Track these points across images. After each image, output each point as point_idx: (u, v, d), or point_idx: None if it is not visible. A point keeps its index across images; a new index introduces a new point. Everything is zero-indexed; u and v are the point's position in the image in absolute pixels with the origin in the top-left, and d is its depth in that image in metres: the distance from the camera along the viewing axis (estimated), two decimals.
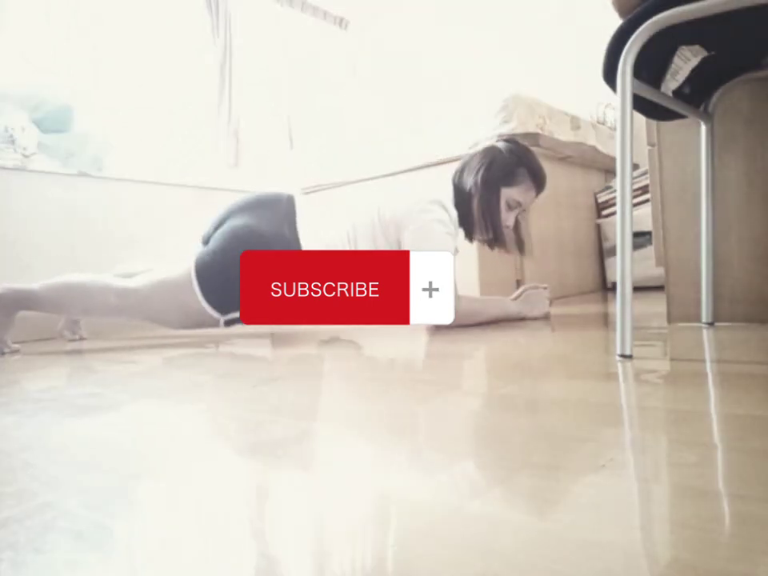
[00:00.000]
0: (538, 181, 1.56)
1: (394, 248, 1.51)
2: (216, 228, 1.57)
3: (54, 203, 1.96)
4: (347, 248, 1.51)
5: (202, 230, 1.64)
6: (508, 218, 1.55)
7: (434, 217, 1.44)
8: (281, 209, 1.57)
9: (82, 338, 1.82)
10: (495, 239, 1.57)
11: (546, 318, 1.57)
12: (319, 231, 1.54)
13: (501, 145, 1.60)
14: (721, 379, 0.76)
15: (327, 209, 1.73)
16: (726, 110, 1.21)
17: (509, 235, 1.59)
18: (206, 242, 1.58)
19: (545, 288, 1.59)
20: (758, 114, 1.21)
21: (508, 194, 1.53)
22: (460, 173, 1.59)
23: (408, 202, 1.48)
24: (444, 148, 2.21)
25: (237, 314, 1.48)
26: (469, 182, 1.54)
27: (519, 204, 1.56)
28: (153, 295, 1.51)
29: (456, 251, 1.58)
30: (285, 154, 3.04)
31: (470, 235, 1.63)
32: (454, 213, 1.50)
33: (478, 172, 1.53)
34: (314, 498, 0.44)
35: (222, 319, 1.50)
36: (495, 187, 1.52)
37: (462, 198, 1.54)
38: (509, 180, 1.52)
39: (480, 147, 1.68)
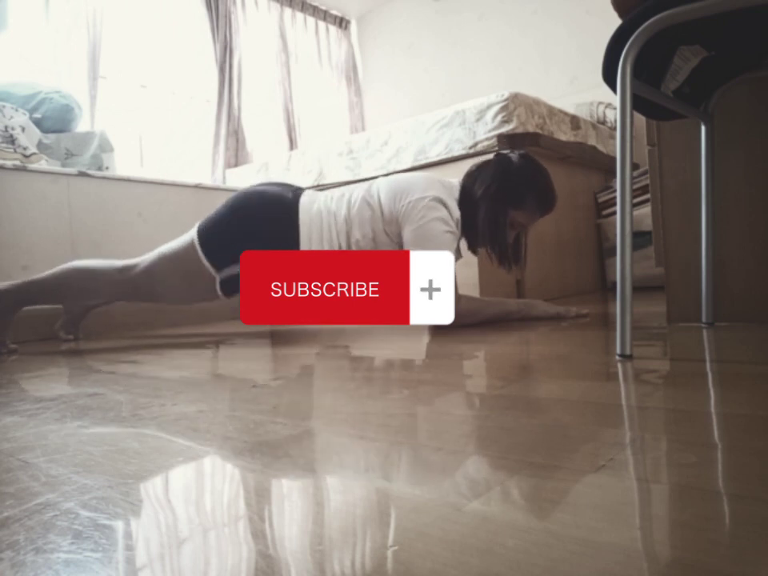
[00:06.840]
0: (545, 208, 1.53)
1: (394, 239, 1.50)
2: None
3: (54, 203, 1.96)
4: (341, 214, 1.51)
5: None
6: (508, 236, 1.52)
7: (435, 215, 1.44)
8: (289, 186, 1.63)
9: (78, 339, 1.82)
10: (497, 256, 1.54)
11: (578, 317, 1.53)
12: (318, 200, 1.56)
13: (516, 161, 1.54)
14: (721, 379, 0.76)
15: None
16: (725, 110, 1.21)
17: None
18: None
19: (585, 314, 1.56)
20: (758, 114, 1.21)
21: (513, 215, 1.50)
22: (472, 178, 1.55)
23: (410, 198, 1.47)
24: (443, 148, 2.21)
25: (233, 271, 1.47)
26: (479, 192, 1.51)
27: (522, 225, 1.54)
28: (155, 265, 1.54)
29: (460, 255, 1.57)
30: (285, 154, 3.03)
31: (473, 247, 1.61)
32: (457, 212, 1.49)
33: (489, 186, 1.49)
34: (313, 498, 0.44)
35: (218, 278, 1.51)
36: (504, 206, 1.49)
37: (469, 203, 1.52)
38: (517, 203, 1.50)
39: (491, 155, 1.63)
